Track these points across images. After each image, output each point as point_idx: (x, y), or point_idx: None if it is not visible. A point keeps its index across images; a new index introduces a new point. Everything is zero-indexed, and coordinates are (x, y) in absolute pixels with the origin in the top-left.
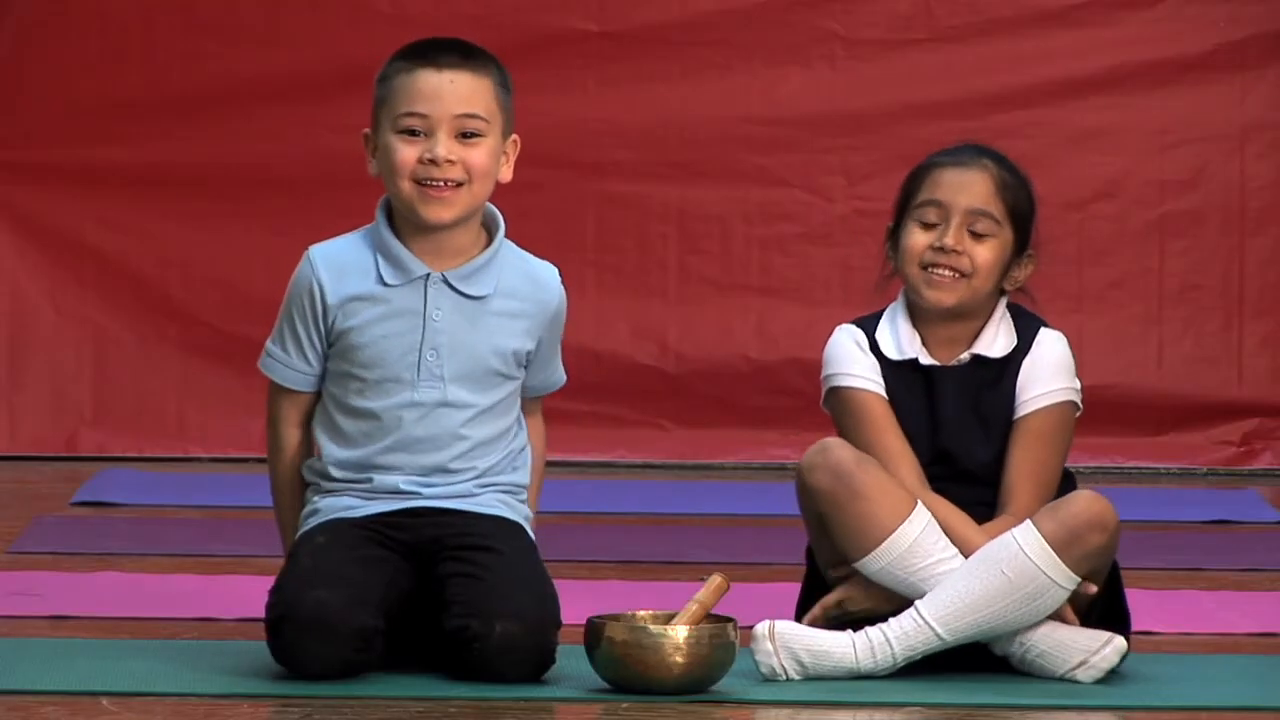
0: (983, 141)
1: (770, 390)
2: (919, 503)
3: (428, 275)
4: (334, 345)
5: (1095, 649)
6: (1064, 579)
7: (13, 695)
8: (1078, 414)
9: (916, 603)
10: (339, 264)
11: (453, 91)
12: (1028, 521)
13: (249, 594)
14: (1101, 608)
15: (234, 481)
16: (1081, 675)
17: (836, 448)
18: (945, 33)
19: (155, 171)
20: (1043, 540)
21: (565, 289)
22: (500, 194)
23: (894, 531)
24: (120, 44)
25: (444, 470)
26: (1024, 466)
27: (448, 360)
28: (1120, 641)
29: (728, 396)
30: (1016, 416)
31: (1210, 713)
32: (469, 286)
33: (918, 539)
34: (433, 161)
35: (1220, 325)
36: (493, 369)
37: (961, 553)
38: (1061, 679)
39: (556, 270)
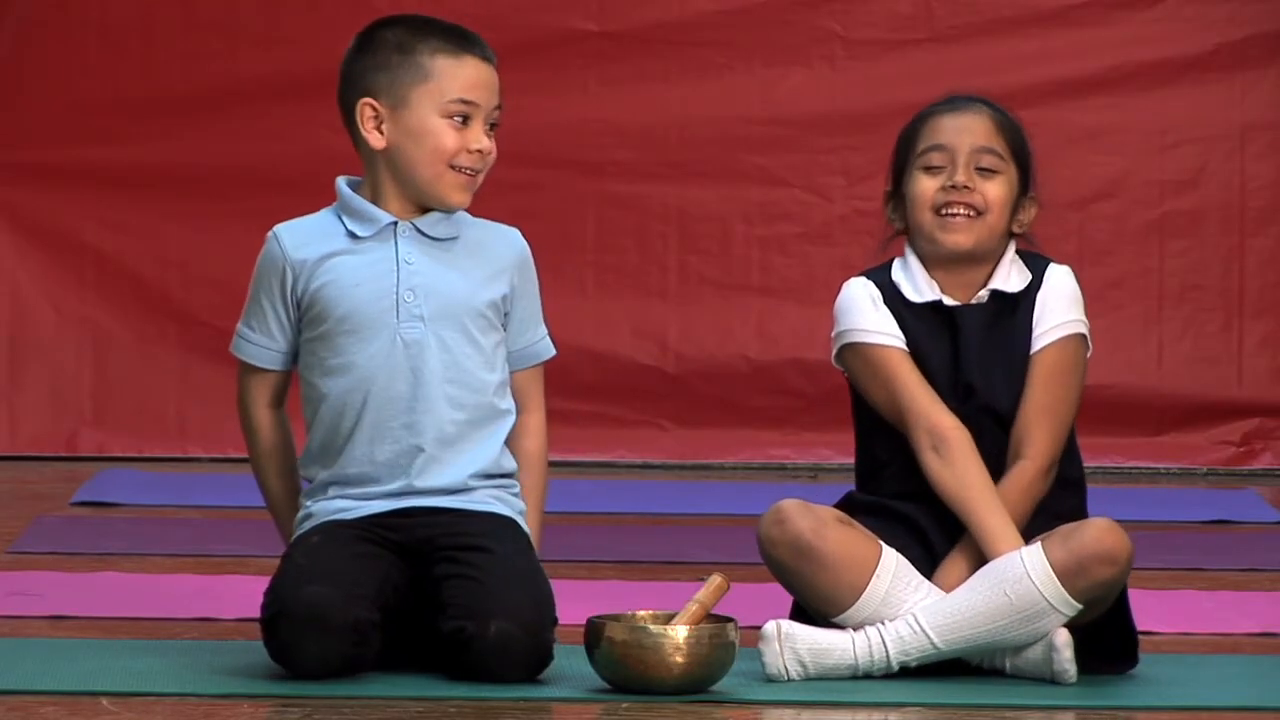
0: None
1: (770, 390)
2: (883, 550)
3: (395, 223)
4: (306, 313)
5: (1050, 657)
6: (1065, 606)
7: (13, 695)
8: (1089, 352)
9: (915, 609)
10: (304, 234)
11: (493, 84)
12: (1038, 545)
13: (249, 594)
14: (1107, 627)
15: (234, 481)
16: (1061, 680)
17: (792, 516)
18: (945, 33)
19: (155, 171)
20: (1049, 568)
21: (533, 254)
22: (501, 194)
23: (864, 590)
24: (120, 44)
25: (429, 438)
26: (1039, 406)
27: (425, 301)
28: (1061, 634)
29: (728, 396)
30: (1033, 350)
31: (1210, 713)
32: (436, 230)
33: (889, 589)
34: (479, 152)
35: (1220, 325)
36: (472, 309)
37: (982, 546)
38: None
39: (518, 230)
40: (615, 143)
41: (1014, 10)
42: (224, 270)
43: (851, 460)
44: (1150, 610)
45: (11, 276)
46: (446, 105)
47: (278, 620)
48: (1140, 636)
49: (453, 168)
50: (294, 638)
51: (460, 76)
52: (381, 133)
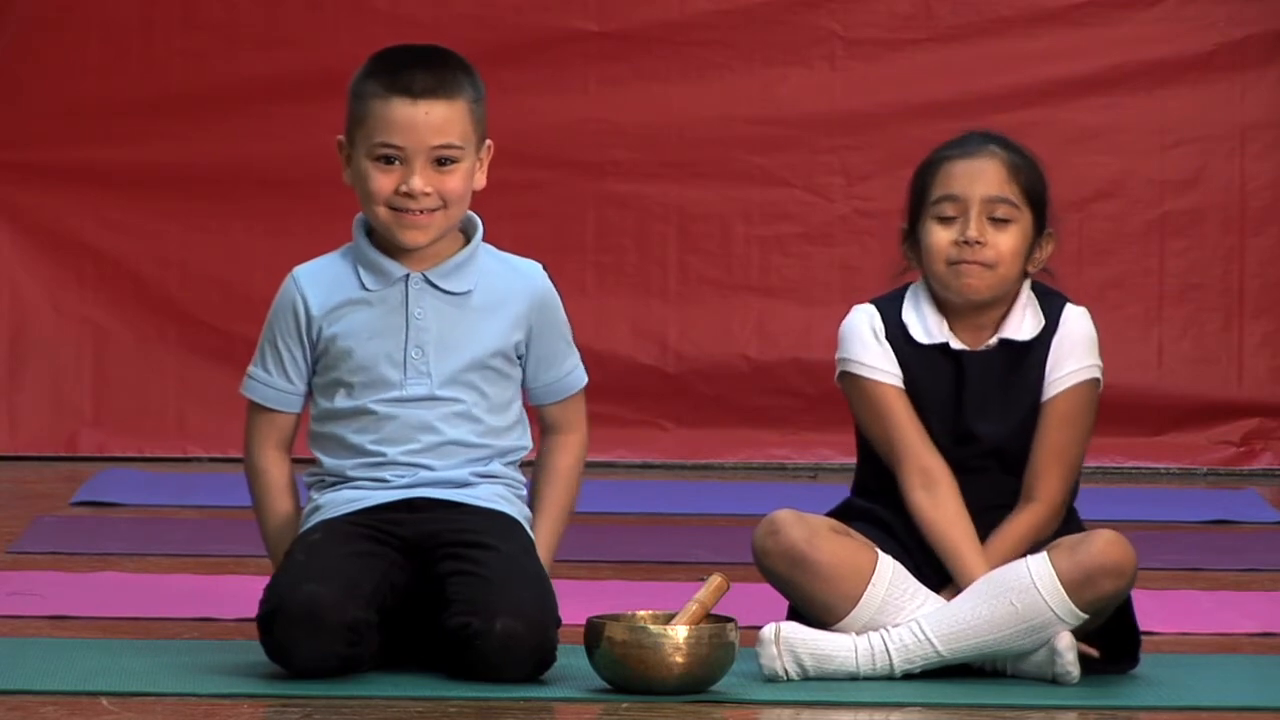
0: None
1: (770, 390)
2: (879, 557)
3: (408, 275)
4: (320, 358)
5: (1053, 660)
6: (1071, 617)
7: (13, 695)
8: (1100, 389)
9: (919, 616)
10: (321, 278)
11: (428, 123)
12: (1043, 555)
13: (248, 594)
14: (1109, 627)
15: (234, 481)
16: (1064, 682)
17: (786, 527)
18: (945, 33)
19: (155, 171)
20: (1056, 579)
21: (557, 286)
22: (501, 194)
23: (860, 598)
24: (120, 44)
25: (437, 453)
26: (1052, 450)
27: (434, 357)
28: (1063, 637)
29: (728, 396)
30: (1046, 397)
31: (1210, 713)
32: (450, 284)
33: (886, 597)
34: (409, 194)
35: (1220, 325)
36: (481, 364)
37: (959, 583)
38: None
39: (541, 265)
40: (615, 143)
41: (1014, 10)
42: (224, 270)
43: (852, 460)
44: (1150, 610)
45: (11, 276)
46: (371, 148)
47: (273, 617)
48: (1140, 636)
49: (392, 208)
50: (289, 635)
51: (383, 119)
52: (348, 170)
